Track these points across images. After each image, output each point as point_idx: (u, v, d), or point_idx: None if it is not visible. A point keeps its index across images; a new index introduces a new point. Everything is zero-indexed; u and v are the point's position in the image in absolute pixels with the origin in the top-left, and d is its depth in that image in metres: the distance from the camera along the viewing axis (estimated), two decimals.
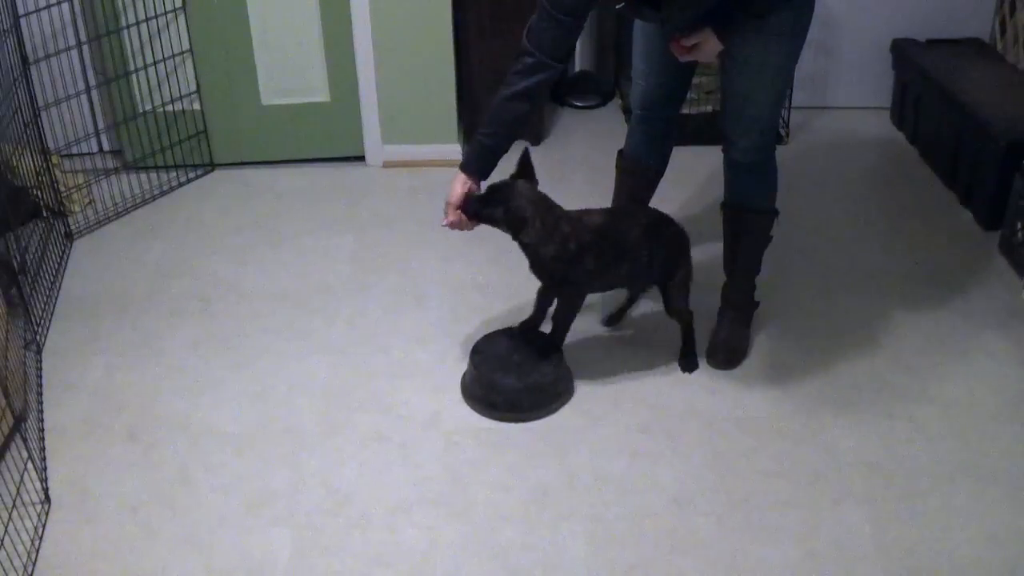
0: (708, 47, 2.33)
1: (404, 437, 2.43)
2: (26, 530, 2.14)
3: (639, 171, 2.89)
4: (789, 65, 2.41)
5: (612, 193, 3.00)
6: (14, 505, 2.14)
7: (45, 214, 3.25)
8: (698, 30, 2.32)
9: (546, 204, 2.42)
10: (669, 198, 3.34)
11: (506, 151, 2.39)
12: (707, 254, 3.10)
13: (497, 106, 2.32)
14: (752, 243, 2.66)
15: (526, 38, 2.26)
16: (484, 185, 2.41)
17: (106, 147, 3.81)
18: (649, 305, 2.90)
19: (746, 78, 2.40)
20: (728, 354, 2.66)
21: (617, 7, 2.30)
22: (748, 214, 2.61)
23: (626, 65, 3.94)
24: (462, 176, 2.38)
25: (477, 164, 2.38)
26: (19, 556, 2.06)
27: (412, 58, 3.59)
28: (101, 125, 3.72)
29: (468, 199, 2.37)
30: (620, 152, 2.91)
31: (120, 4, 3.42)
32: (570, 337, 2.61)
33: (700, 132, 3.66)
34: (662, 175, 2.92)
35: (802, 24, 2.36)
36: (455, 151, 3.75)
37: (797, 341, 2.75)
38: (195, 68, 3.59)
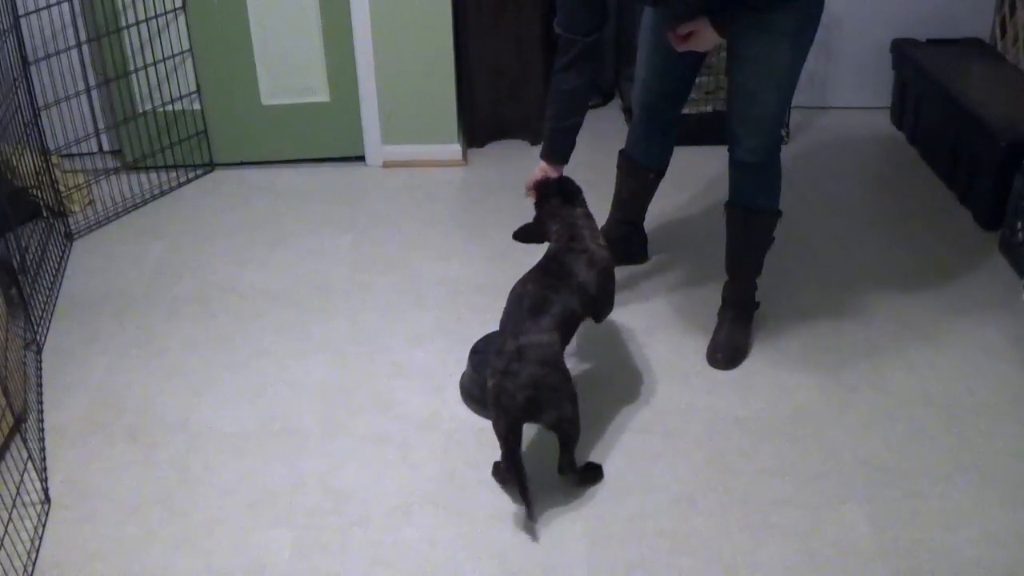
0: (703, 35, 2.33)
1: (404, 437, 2.43)
2: (26, 530, 2.14)
3: (639, 172, 2.90)
4: (796, 65, 2.40)
5: (612, 194, 3.00)
6: (14, 505, 2.14)
7: (45, 214, 3.25)
8: (695, 19, 2.32)
9: (569, 234, 2.36)
10: (669, 198, 3.35)
11: (568, 128, 2.51)
12: (707, 254, 3.10)
13: (552, 85, 2.47)
14: (754, 243, 2.66)
15: (555, 19, 2.40)
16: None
17: (106, 147, 3.81)
18: (648, 304, 2.90)
19: (753, 78, 2.40)
20: (728, 354, 2.66)
21: None
22: (751, 214, 2.60)
23: (626, 65, 3.95)
24: (542, 163, 2.54)
25: (548, 147, 2.53)
26: (19, 556, 2.05)
27: (412, 58, 3.59)
28: (101, 125, 3.71)
29: (540, 184, 2.50)
30: (621, 152, 2.92)
31: (120, 4, 3.42)
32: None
33: (700, 132, 3.66)
34: (662, 176, 2.92)
35: (810, 24, 2.35)
36: (455, 151, 3.75)
37: (797, 341, 2.75)
38: (195, 68, 3.59)
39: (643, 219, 3.05)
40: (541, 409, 2.11)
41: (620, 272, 3.03)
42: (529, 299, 2.19)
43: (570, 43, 2.40)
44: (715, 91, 3.71)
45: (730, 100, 2.50)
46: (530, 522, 2.16)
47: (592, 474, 2.29)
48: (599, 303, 2.35)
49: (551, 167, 2.53)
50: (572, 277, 2.26)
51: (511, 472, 2.16)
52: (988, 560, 2.07)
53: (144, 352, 2.76)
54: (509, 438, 2.12)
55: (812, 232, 3.25)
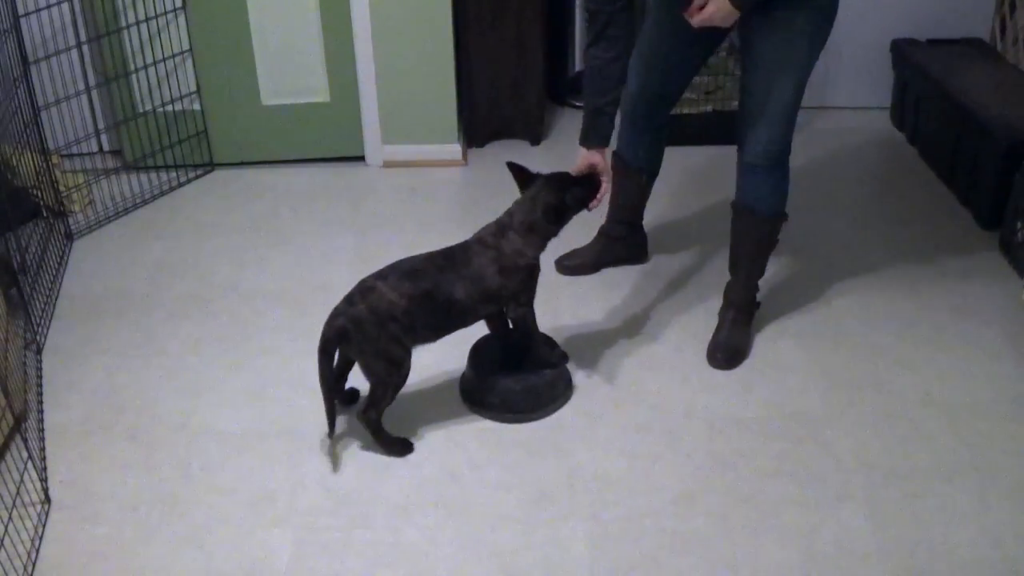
0: (720, 7, 2.28)
1: (403, 437, 2.43)
2: (26, 530, 2.14)
3: (632, 173, 2.89)
4: (810, 65, 2.40)
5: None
6: (14, 505, 2.14)
7: (45, 214, 3.26)
8: None
9: (493, 230, 2.43)
10: (669, 198, 3.35)
11: (602, 109, 2.46)
12: (707, 254, 3.10)
13: (585, 63, 2.47)
14: (759, 245, 2.65)
15: None
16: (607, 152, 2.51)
17: (106, 147, 3.82)
18: (649, 304, 2.90)
19: (766, 78, 2.40)
20: (728, 354, 2.66)
21: None
22: (757, 216, 2.60)
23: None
24: (581, 150, 2.49)
25: (583, 130, 2.49)
26: (19, 556, 2.05)
27: (412, 58, 3.59)
28: (101, 125, 3.72)
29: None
30: (614, 153, 2.91)
31: (120, 4, 3.42)
32: (569, 337, 2.61)
33: (700, 132, 3.66)
34: (656, 177, 2.92)
35: (827, 23, 2.35)
36: (455, 151, 3.75)
37: (797, 341, 2.75)
38: (195, 68, 3.59)
39: (641, 219, 3.05)
40: (349, 345, 2.27)
41: (620, 272, 3.04)
42: (410, 263, 2.33)
43: (596, 14, 2.36)
44: (715, 91, 3.71)
45: (742, 102, 2.49)
46: (328, 436, 2.36)
47: (389, 443, 2.36)
48: (509, 297, 2.37)
49: (590, 152, 2.47)
50: (467, 266, 2.32)
51: (320, 385, 2.28)
52: (988, 560, 2.07)
53: (144, 352, 2.76)
54: (321, 356, 2.26)
55: (812, 232, 3.25)
